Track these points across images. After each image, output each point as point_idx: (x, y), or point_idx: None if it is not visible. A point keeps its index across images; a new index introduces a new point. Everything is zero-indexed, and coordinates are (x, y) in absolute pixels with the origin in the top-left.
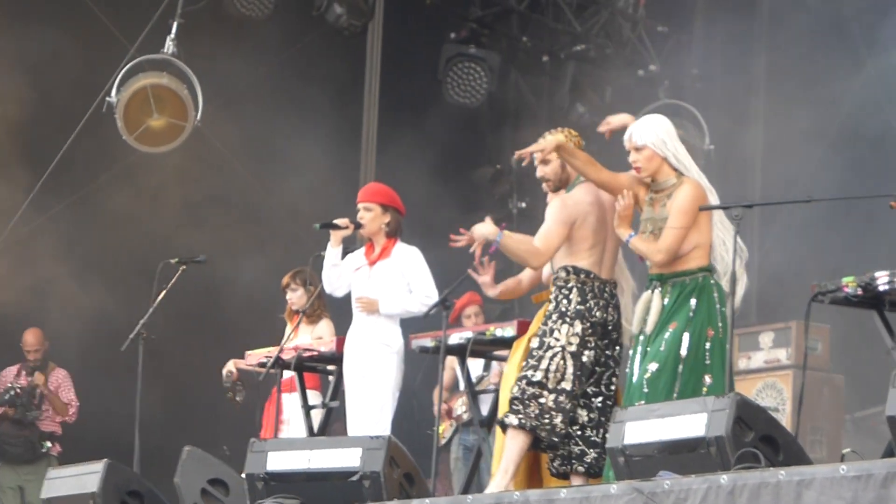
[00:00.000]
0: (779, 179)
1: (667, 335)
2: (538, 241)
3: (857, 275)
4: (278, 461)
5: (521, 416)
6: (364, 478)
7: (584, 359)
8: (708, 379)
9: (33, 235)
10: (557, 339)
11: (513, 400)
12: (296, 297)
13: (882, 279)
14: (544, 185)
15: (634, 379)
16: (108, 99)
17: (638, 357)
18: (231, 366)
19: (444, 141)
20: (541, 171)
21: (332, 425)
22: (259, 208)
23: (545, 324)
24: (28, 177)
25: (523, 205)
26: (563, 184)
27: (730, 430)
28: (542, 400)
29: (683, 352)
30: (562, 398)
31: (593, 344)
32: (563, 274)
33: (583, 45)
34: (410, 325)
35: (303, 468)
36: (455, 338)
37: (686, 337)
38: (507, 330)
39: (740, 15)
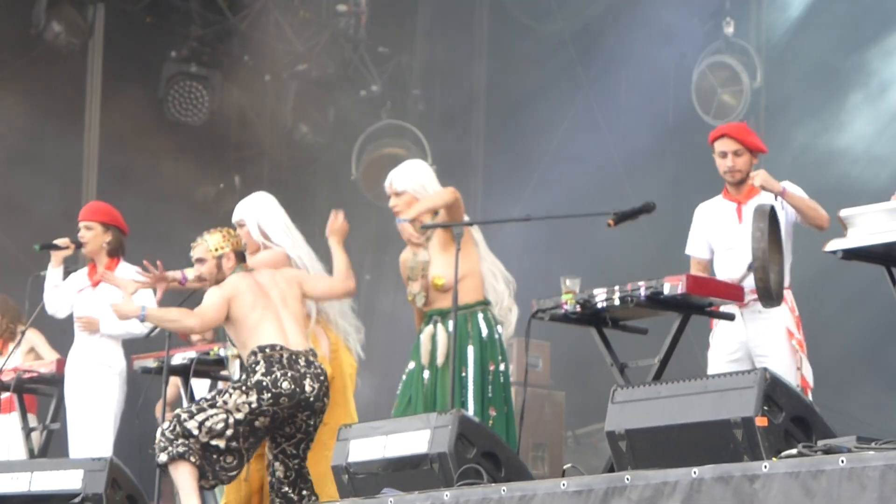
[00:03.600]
0: (499, 199)
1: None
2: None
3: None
4: None
5: (168, 450)
6: (86, 500)
7: (257, 424)
8: (492, 412)
9: None
10: (226, 403)
11: (160, 436)
12: None
13: (599, 296)
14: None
15: None
16: None
17: (425, 385)
18: None
19: (167, 159)
20: (196, 272)
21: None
22: None
23: (224, 386)
24: None
25: None
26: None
27: (452, 447)
28: (190, 440)
29: (470, 385)
30: (209, 452)
31: (273, 413)
32: (252, 358)
33: (305, 65)
34: (133, 346)
35: (23, 491)
36: (178, 358)
37: (471, 371)
38: (231, 350)
39: (460, 36)
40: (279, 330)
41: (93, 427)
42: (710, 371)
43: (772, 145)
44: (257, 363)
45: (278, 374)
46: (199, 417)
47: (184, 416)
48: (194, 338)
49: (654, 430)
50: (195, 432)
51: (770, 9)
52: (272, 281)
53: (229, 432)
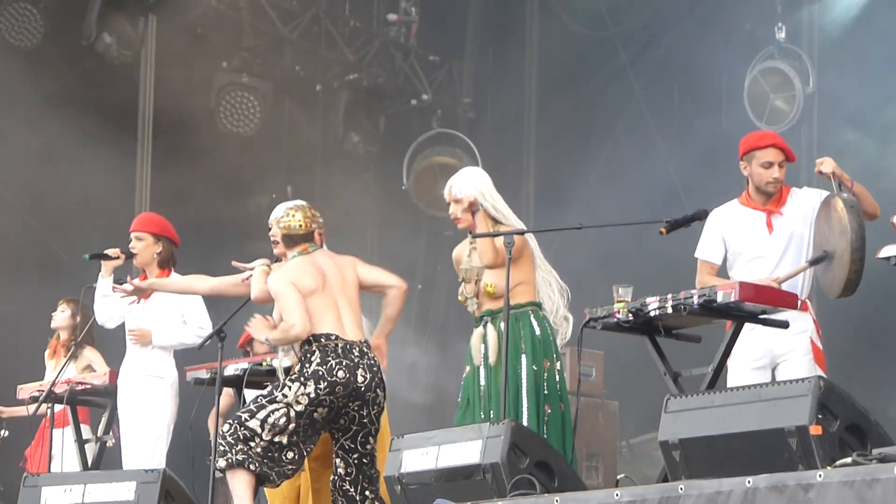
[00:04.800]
0: (551, 206)
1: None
2: (286, 316)
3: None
4: (52, 496)
5: (227, 456)
6: None
7: (316, 416)
8: (547, 409)
9: None
10: (285, 396)
11: (219, 441)
12: (60, 316)
13: (652, 305)
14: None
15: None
16: None
17: (482, 386)
18: None
19: (219, 169)
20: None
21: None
22: (31, 240)
23: (281, 379)
24: None
25: None
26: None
27: (505, 457)
28: (252, 443)
29: (524, 383)
30: (272, 450)
31: (330, 402)
32: (307, 347)
33: (356, 75)
34: (185, 357)
35: (77, 503)
36: (231, 369)
37: (524, 368)
38: (284, 361)
39: (510, 44)
40: (336, 319)
41: (146, 439)
42: (730, 378)
43: (825, 150)
44: (313, 353)
45: (333, 362)
46: (261, 415)
47: (244, 416)
48: (259, 349)
49: (707, 439)
50: (258, 430)
51: (823, 13)
52: (332, 263)
53: (291, 426)
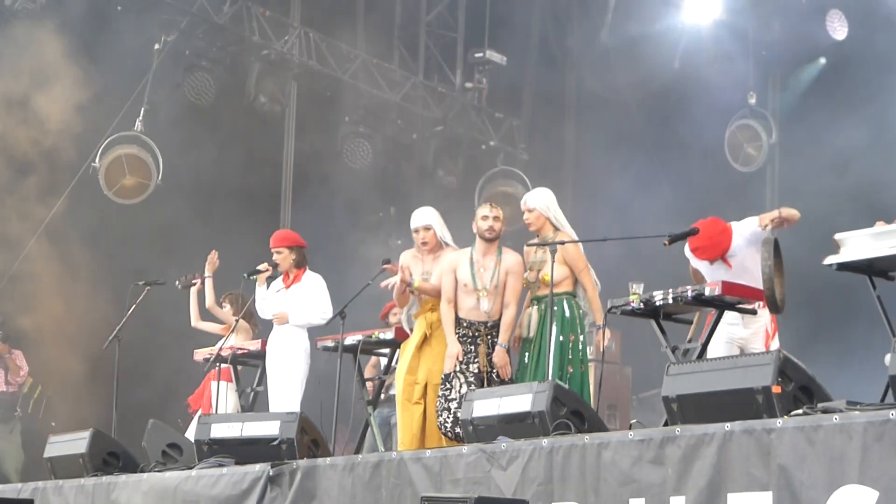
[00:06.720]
0: (585, 224)
1: (552, 341)
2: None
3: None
4: (219, 430)
5: None
6: (282, 443)
7: None
8: (570, 369)
9: (42, 263)
10: None
11: None
12: (227, 310)
13: (658, 297)
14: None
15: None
16: (93, 164)
17: (526, 353)
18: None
19: (342, 195)
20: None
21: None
22: (206, 243)
23: None
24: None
25: (399, 242)
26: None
27: (548, 407)
28: None
29: (550, 349)
30: None
31: None
32: None
33: (442, 127)
34: (316, 330)
35: (236, 435)
36: (350, 339)
37: (552, 338)
38: (388, 334)
39: (555, 105)
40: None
41: (286, 390)
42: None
43: (785, 187)
44: None
45: None
46: None
47: None
48: (393, 319)
49: (697, 395)
50: None
51: (783, 85)
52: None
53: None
